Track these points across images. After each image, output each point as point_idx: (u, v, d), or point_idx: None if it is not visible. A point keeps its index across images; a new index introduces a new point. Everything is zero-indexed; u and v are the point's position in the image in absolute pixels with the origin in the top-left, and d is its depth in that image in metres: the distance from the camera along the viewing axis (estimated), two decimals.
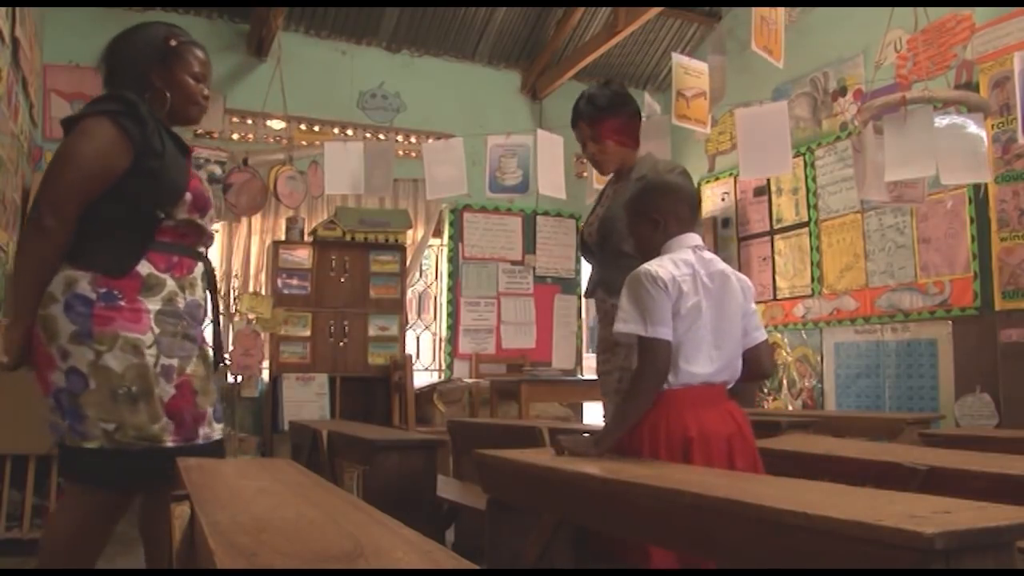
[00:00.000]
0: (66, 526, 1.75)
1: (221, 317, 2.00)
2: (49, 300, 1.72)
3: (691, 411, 1.76)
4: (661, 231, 1.91)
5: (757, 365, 1.93)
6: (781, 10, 3.94)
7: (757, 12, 3.90)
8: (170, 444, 1.76)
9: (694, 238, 1.90)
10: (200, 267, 1.92)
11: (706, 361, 1.78)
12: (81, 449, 1.70)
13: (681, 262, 1.82)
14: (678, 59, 4.52)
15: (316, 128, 5.74)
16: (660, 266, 1.80)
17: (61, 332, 1.71)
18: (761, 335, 1.93)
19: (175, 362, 1.80)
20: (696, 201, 2.05)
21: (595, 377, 2.64)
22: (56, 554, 1.73)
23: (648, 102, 4.86)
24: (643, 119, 2.63)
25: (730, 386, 1.90)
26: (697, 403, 1.77)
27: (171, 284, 1.82)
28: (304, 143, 5.53)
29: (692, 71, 4.52)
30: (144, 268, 1.78)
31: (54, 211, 1.71)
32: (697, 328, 1.78)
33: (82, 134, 1.74)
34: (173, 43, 1.97)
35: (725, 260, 2.00)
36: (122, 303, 1.74)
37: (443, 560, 0.93)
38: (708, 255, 1.89)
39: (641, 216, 1.97)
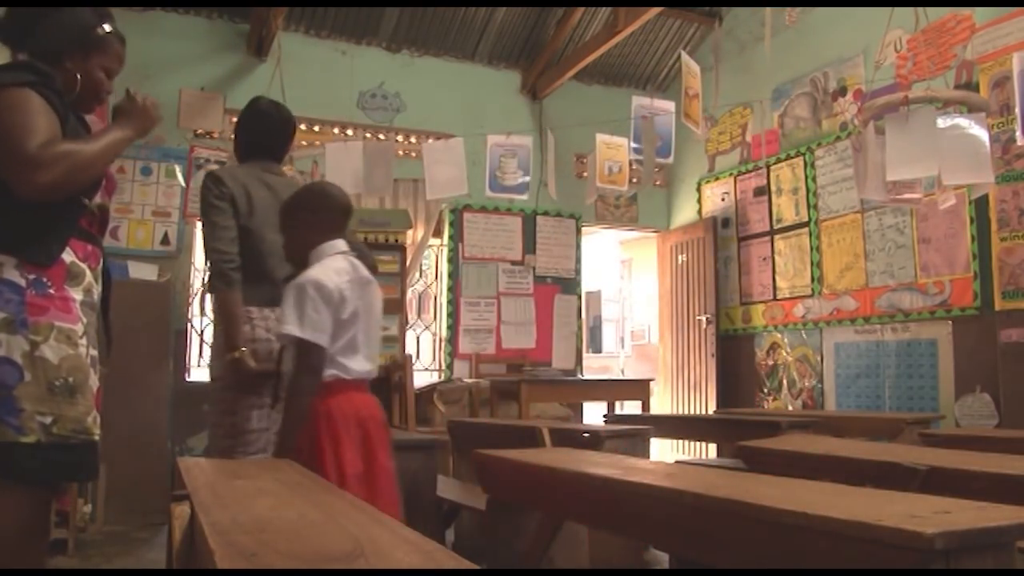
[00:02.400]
0: (10, 528, 1.62)
1: (110, 311, 1.91)
2: None
3: (357, 397, 2.01)
4: (310, 237, 2.05)
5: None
6: (771, 11, 3.94)
7: (767, 13, 3.90)
8: (97, 437, 1.70)
9: (341, 244, 2.06)
10: (101, 260, 1.83)
11: (363, 359, 2.01)
12: (18, 444, 1.57)
13: (342, 270, 1.98)
14: (687, 60, 4.54)
15: (316, 128, 5.74)
16: (325, 275, 1.94)
17: None
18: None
19: (96, 354, 1.75)
20: (347, 209, 2.14)
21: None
22: (20, 559, 1.62)
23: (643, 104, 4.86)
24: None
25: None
26: (359, 391, 2.03)
27: (88, 274, 1.74)
28: (304, 143, 5.53)
29: (693, 72, 4.53)
30: (67, 256, 1.69)
31: (39, 156, 1.54)
32: (356, 330, 1.98)
33: (11, 108, 1.57)
34: (99, 32, 1.82)
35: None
36: (52, 291, 1.65)
37: (443, 560, 0.93)
38: (356, 261, 2.05)
39: (290, 222, 2.10)
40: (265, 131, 2.49)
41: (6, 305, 1.59)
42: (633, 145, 4.85)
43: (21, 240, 1.63)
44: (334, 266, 1.98)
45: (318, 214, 2.07)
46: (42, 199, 1.59)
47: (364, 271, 2.05)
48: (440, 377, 5.98)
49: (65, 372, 1.64)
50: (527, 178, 5.15)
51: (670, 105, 4.96)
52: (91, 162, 1.63)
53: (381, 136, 5.90)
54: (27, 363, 1.60)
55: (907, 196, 3.96)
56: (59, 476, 1.67)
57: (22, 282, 1.61)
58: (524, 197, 5.34)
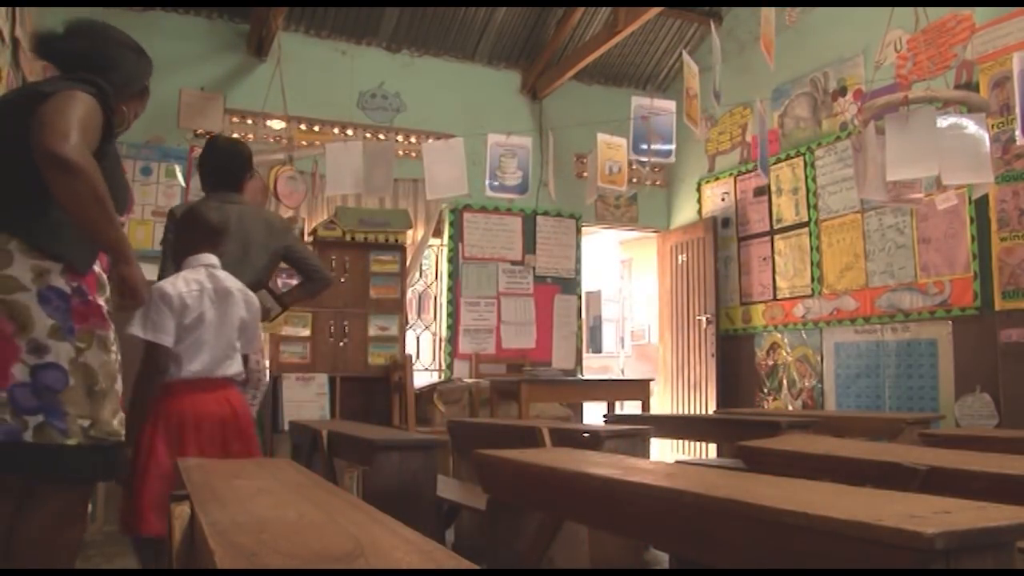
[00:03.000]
0: (54, 522, 1.69)
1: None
2: (14, 286, 1.60)
3: (188, 397, 2.24)
4: (180, 250, 2.44)
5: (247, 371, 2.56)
6: (774, 10, 3.95)
7: (764, 12, 3.91)
8: (123, 437, 1.81)
9: (209, 258, 2.39)
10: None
11: (206, 359, 2.26)
12: (64, 447, 1.63)
13: (191, 280, 2.29)
14: (687, 60, 4.54)
15: (316, 128, 5.74)
16: (172, 284, 2.27)
17: (36, 324, 1.61)
18: (248, 350, 2.52)
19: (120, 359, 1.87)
20: (218, 228, 2.46)
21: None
22: (56, 554, 1.70)
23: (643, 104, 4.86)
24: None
25: (239, 379, 2.43)
26: (195, 391, 2.25)
27: (107, 284, 1.83)
28: (304, 143, 5.53)
29: (693, 72, 4.53)
30: (96, 266, 1.78)
31: (76, 147, 1.55)
32: (199, 333, 2.25)
33: (75, 99, 1.63)
34: (147, 83, 2.06)
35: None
36: (90, 299, 1.72)
37: (443, 560, 0.93)
38: (221, 273, 2.37)
39: (170, 238, 2.58)
40: (218, 165, 2.94)
41: (55, 312, 1.64)
42: (642, 146, 4.84)
43: (65, 248, 1.68)
44: (186, 276, 2.31)
45: (187, 232, 2.45)
46: (43, 165, 1.55)
47: (225, 283, 2.36)
48: (440, 377, 5.98)
49: (102, 378, 1.72)
50: (527, 178, 5.15)
51: (671, 104, 4.96)
52: (98, 195, 1.61)
53: (381, 136, 5.90)
54: (72, 369, 1.66)
55: (908, 196, 3.96)
56: (96, 476, 1.76)
57: (67, 289, 1.67)
58: (524, 196, 5.34)
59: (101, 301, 1.77)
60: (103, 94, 1.72)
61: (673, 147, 4.94)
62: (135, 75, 1.94)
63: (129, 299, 1.81)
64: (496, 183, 5.05)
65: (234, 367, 2.38)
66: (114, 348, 1.78)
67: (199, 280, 2.31)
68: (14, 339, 1.60)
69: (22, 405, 1.60)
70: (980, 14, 4.44)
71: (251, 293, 2.48)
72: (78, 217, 1.61)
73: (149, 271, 5.27)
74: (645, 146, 4.83)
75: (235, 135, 5.52)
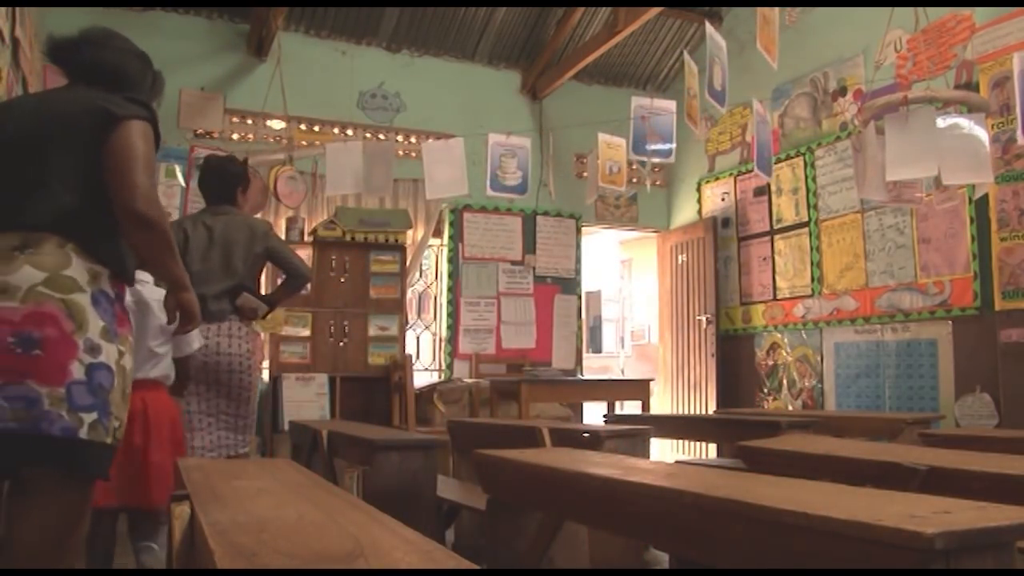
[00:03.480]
0: (76, 519, 1.69)
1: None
2: (73, 286, 1.66)
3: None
4: None
5: (183, 368, 2.85)
6: (777, 11, 3.94)
7: (760, 12, 3.91)
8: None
9: (142, 274, 2.45)
10: None
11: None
12: (105, 445, 1.66)
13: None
14: (688, 60, 4.53)
15: (316, 128, 5.74)
16: None
17: (91, 324, 1.66)
18: (187, 349, 2.81)
19: None
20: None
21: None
22: (69, 549, 1.67)
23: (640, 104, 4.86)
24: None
25: (167, 382, 2.74)
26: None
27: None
28: (304, 143, 5.53)
29: (694, 72, 4.53)
30: None
31: (155, 200, 1.77)
32: None
33: (144, 137, 1.78)
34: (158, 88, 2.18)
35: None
36: (123, 306, 1.81)
37: (443, 560, 0.93)
38: (146, 288, 2.58)
39: None
40: (210, 183, 3.28)
41: (103, 315, 1.69)
42: (645, 147, 4.83)
43: (113, 255, 1.76)
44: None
45: None
46: (126, 221, 1.73)
47: (143, 294, 2.59)
48: (440, 377, 5.98)
49: (128, 382, 1.78)
50: (527, 178, 5.15)
51: (671, 104, 4.96)
52: (168, 242, 1.81)
53: (381, 136, 5.90)
54: (117, 370, 1.71)
55: (908, 196, 3.96)
56: (106, 473, 1.72)
57: (112, 294, 1.75)
58: (524, 196, 5.33)
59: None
60: (155, 118, 1.84)
61: (673, 147, 4.94)
62: (152, 93, 2.04)
63: (188, 323, 1.96)
64: (497, 183, 5.05)
65: (156, 371, 2.68)
66: (130, 354, 1.84)
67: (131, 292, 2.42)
68: (73, 336, 1.63)
69: (78, 402, 1.62)
70: (980, 14, 4.44)
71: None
72: (149, 260, 1.82)
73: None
74: (647, 147, 4.83)
75: (235, 135, 5.52)
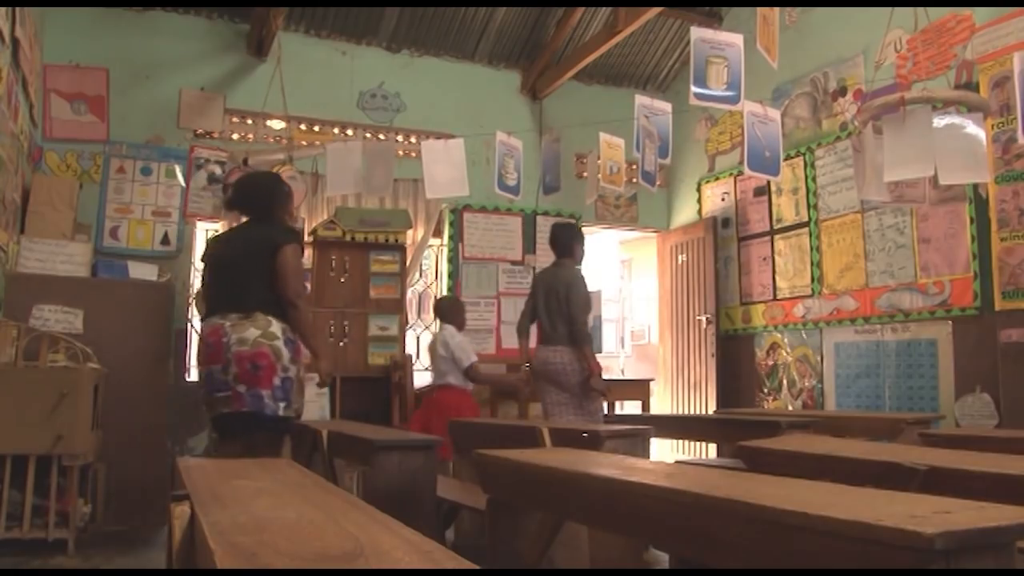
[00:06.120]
0: (278, 451, 3.14)
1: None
2: (274, 337, 3.08)
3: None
4: None
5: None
6: (777, 11, 3.92)
7: (760, 12, 3.89)
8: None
9: None
10: None
11: None
12: (289, 419, 3.16)
13: None
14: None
15: (316, 128, 5.74)
16: None
17: (283, 356, 3.09)
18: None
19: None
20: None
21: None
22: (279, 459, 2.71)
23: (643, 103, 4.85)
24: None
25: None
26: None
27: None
28: (304, 143, 5.52)
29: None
30: None
31: (303, 296, 3.24)
32: None
33: (294, 253, 3.20)
34: (288, 189, 3.53)
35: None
36: (298, 344, 3.20)
37: (443, 560, 0.93)
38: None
39: None
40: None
41: (289, 350, 3.13)
42: (658, 147, 4.80)
43: (284, 315, 3.17)
44: None
45: None
46: (285, 304, 3.16)
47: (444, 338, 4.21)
48: None
49: (300, 383, 3.28)
50: (520, 178, 5.16)
51: (667, 106, 4.96)
52: (309, 322, 3.32)
53: (381, 136, 5.90)
54: (295, 378, 3.18)
55: (910, 196, 3.95)
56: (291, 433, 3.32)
57: (293, 338, 3.17)
58: (524, 196, 5.33)
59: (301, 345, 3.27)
60: (299, 237, 3.38)
61: (669, 146, 4.93)
62: (286, 199, 3.47)
63: (325, 381, 3.40)
64: (501, 183, 5.07)
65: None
66: (303, 372, 3.33)
67: None
68: (276, 363, 3.07)
69: (277, 396, 3.07)
70: (980, 14, 4.44)
71: None
72: (296, 330, 3.19)
73: (149, 271, 5.25)
74: (650, 146, 4.83)
75: (235, 135, 5.52)
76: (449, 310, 4.93)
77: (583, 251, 4.65)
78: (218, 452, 3.38)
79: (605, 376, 4.60)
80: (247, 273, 3.12)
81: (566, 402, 4.31)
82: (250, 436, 3.04)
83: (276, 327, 3.07)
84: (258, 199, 3.33)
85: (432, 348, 4.84)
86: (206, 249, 3.45)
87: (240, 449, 2.97)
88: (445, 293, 6.12)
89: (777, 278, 5.81)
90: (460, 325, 4.85)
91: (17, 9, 3.72)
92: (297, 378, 3.17)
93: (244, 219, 3.36)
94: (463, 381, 4.66)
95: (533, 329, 4.59)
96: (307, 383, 3.90)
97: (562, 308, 4.34)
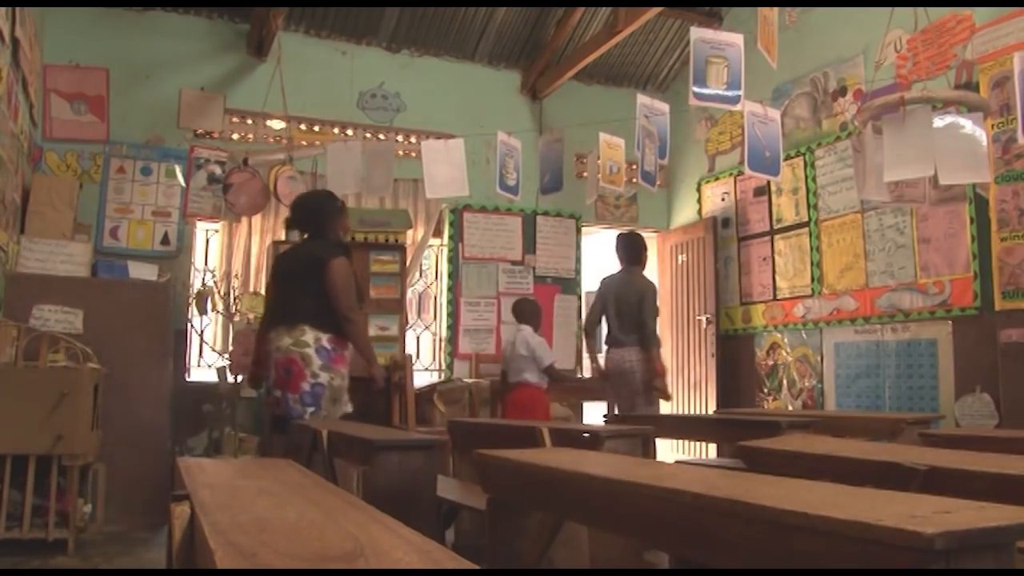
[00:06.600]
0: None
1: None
2: (303, 345, 3.29)
3: None
4: None
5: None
6: (777, 11, 3.91)
7: (760, 12, 3.89)
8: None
9: None
10: None
11: None
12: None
13: None
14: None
15: (316, 128, 5.74)
16: None
17: (313, 363, 3.29)
18: None
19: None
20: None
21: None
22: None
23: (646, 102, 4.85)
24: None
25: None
26: None
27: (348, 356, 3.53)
28: (304, 143, 5.52)
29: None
30: (346, 350, 3.48)
31: (355, 309, 3.44)
32: None
33: (344, 267, 3.40)
34: (339, 205, 3.69)
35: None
36: (337, 353, 3.37)
37: (443, 560, 0.93)
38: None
39: None
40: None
41: (321, 357, 3.32)
42: (658, 147, 4.80)
43: (330, 325, 3.36)
44: None
45: None
46: (339, 317, 3.37)
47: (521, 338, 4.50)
48: (440, 377, 5.98)
49: (337, 392, 3.42)
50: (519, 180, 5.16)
51: (665, 107, 4.96)
52: (363, 334, 3.62)
53: (381, 136, 5.90)
54: (328, 387, 3.36)
55: (911, 195, 3.95)
56: None
57: (330, 347, 3.35)
58: (524, 196, 5.33)
59: (344, 354, 3.44)
60: (347, 251, 3.54)
61: (667, 146, 4.93)
62: (340, 214, 3.66)
63: (378, 385, 3.61)
64: (503, 183, 5.07)
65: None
66: (344, 378, 3.45)
67: None
68: (304, 370, 3.27)
69: (304, 401, 3.28)
70: (980, 14, 4.43)
71: None
72: (353, 342, 3.44)
73: (149, 271, 5.25)
74: (650, 146, 4.82)
75: (235, 135, 5.52)
76: (528, 312, 5.21)
77: (647, 258, 5.23)
78: (268, 445, 4.16)
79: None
80: (296, 288, 3.38)
81: (630, 399, 4.73)
82: (289, 437, 3.28)
83: (309, 336, 3.29)
84: (309, 217, 3.58)
85: (510, 347, 5.14)
86: (272, 265, 3.91)
87: (284, 448, 3.30)
88: (445, 293, 6.12)
89: (777, 278, 5.81)
90: (536, 326, 5.17)
91: (17, 9, 3.72)
92: (331, 385, 3.32)
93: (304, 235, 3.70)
94: (539, 378, 4.99)
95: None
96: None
97: (633, 313, 4.75)
